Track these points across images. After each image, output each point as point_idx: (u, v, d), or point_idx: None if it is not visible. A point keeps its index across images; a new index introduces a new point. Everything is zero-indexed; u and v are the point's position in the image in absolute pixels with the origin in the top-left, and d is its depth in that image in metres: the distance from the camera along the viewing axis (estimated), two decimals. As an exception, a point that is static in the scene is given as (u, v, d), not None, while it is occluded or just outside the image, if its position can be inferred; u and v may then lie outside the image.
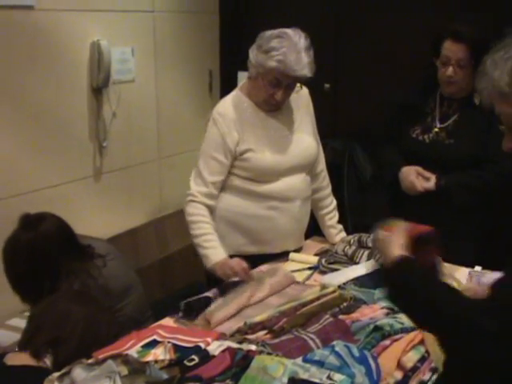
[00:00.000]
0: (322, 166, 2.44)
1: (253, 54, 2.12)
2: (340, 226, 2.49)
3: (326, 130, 2.50)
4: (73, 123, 3.11)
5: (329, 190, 2.47)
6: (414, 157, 2.54)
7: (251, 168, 2.19)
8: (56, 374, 1.40)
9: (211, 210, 2.19)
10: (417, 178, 2.46)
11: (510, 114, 1.17)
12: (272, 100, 2.16)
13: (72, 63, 3.07)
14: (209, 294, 1.97)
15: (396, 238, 1.34)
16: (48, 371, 1.54)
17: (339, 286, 1.92)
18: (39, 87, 2.91)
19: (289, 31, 2.09)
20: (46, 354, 1.59)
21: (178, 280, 3.29)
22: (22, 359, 1.60)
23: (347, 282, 1.97)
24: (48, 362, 1.60)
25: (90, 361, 1.43)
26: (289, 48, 2.04)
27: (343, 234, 2.46)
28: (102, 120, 3.23)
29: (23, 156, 2.87)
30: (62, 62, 3.01)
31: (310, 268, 2.18)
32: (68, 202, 3.05)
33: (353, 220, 3.46)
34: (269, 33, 2.11)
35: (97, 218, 3.21)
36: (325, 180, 2.46)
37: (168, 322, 1.87)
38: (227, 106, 2.22)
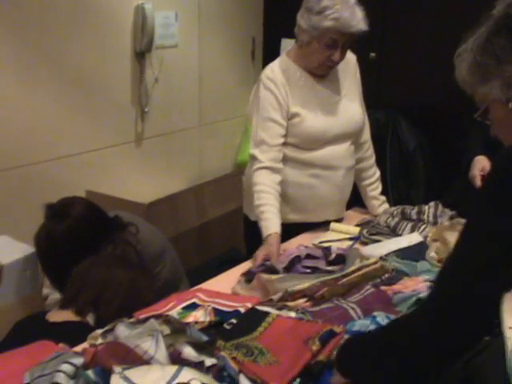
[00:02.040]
0: (366, 135, 2.39)
1: (303, 18, 2.07)
2: (383, 198, 2.45)
3: (370, 101, 2.45)
4: (115, 88, 3.12)
5: (372, 160, 2.43)
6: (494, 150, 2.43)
7: (297, 134, 2.17)
8: (100, 331, 1.42)
9: (280, 174, 2.15)
10: (480, 173, 2.36)
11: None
12: (329, 62, 2.11)
13: (116, 27, 3.07)
14: (277, 265, 1.88)
15: None
16: (90, 327, 1.57)
17: (381, 258, 1.89)
18: (83, 51, 2.92)
19: None
20: (89, 312, 1.62)
21: (216, 246, 3.30)
22: (65, 316, 1.64)
23: (389, 254, 1.93)
24: (90, 320, 1.63)
25: (131, 320, 1.44)
26: (342, 5, 2.00)
27: (386, 206, 2.42)
28: (144, 85, 3.23)
29: (65, 120, 2.90)
30: (106, 26, 3.02)
31: (350, 238, 2.15)
32: (109, 166, 3.08)
33: (395, 192, 3.41)
34: None
35: (137, 183, 3.23)
36: (369, 150, 2.42)
37: (207, 287, 1.86)
38: (276, 70, 2.18)
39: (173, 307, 1.68)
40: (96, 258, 1.84)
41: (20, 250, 2.39)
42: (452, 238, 1.90)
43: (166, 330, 1.29)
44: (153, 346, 1.25)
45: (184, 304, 1.70)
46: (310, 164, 2.20)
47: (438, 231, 2.03)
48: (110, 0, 3.02)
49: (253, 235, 2.36)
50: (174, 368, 1.19)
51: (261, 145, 2.13)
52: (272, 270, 1.82)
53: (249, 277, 1.82)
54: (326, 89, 2.21)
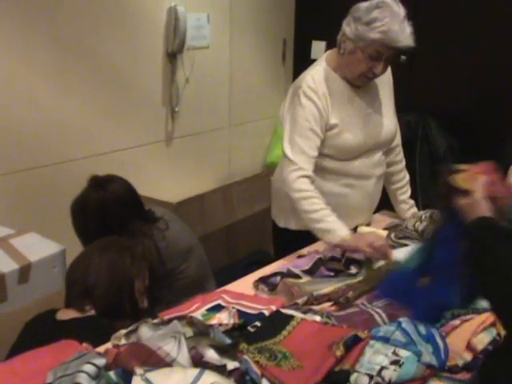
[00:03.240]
0: (397, 140, 2.36)
1: (350, 27, 2.02)
2: (412, 202, 2.42)
3: (400, 103, 2.42)
4: (147, 87, 3.14)
5: (402, 164, 2.40)
6: None
7: (334, 145, 2.13)
8: (123, 331, 1.43)
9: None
10: None
11: None
12: (370, 73, 2.06)
13: (149, 28, 3.09)
14: (294, 269, 1.87)
15: (478, 198, 1.30)
16: (94, 318, 1.62)
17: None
18: (116, 51, 2.95)
19: (387, 0, 1.99)
20: (86, 304, 1.66)
21: (244, 247, 3.30)
22: (70, 314, 1.68)
23: (416, 259, 1.91)
24: (92, 311, 1.67)
25: (155, 321, 1.45)
26: (391, 18, 1.94)
27: (414, 210, 2.39)
28: (176, 85, 3.25)
29: (97, 118, 2.93)
30: (139, 27, 3.04)
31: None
32: (139, 164, 3.11)
33: (424, 196, 3.37)
34: (365, 4, 2.01)
35: (166, 182, 3.26)
36: (399, 154, 2.39)
37: (231, 288, 1.86)
38: (317, 79, 2.11)
39: (197, 308, 1.68)
40: (83, 251, 1.85)
41: (48, 248, 2.42)
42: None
43: (189, 332, 1.29)
44: (175, 348, 1.25)
45: (209, 305, 1.69)
46: (344, 174, 2.17)
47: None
48: (144, 2, 3.04)
49: (281, 241, 2.36)
50: (196, 371, 1.19)
51: (301, 154, 2.07)
52: (292, 276, 1.80)
53: (271, 286, 1.80)
54: (363, 99, 2.17)
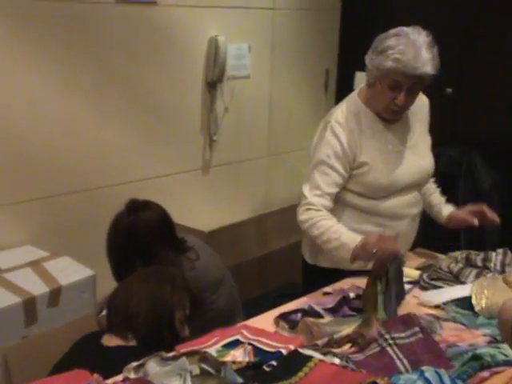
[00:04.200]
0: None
1: (368, 57, 1.98)
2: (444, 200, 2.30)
3: (444, 137, 2.34)
4: (185, 115, 3.17)
5: (432, 182, 2.31)
6: None
7: (364, 183, 2.06)
8: (134, 364, 1.40)
9: (330, 220, 2.03)
10: None
11: None
12: (393, 106, 1.98)
13: (189, 57, 3.13)
14: (316, 306, 1.80)
15: None
16: (136, 348, 1.62)
17: (438, 306, 1.79)
18: (156, 79, 2.99)
19: (406, 29, 1.92)
20: (128, 333, 1.66)
21: (276, 279, 3.26)
22: (114, 341, 1.68)
23: (448, 303, 1.83)
24: (133, 339, 1.67)
25: (169, 354, 1.42)
26: (406, 45, 1.87)
27: (450, 207, 2.27)
28: (214, 114, 3.27)
29: (135, 144, 2.97)
30: (180, 56, 3.08)
31: (409, 282, 2.05)
32: (175, 192, 3.12)
33: (467, 235, 3.25)
34: (385, 33, 1.97)
35: (201, 210, 3.26)
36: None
37: (255, 322, 1.82)
38: (346, 114, 2.05)
39: (215, 343, 1.64)
40: (126, 280, 1.85)
41: (80, 272, 2.45)
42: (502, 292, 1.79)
43: (196, 369, 1.26)
44: (181, 385, 1.22)
45: (227, 340, 1.66)
46: (374, 213, 2.08)
47: (479, 286, 1.89)
48: (186, 31, 3.09)
49: (309, 277, 2.31)
50: (200, 411, 1.16)
51: (315, 189, 2.02)
52: (313, 314, 1.75)
53: (291, 324, 1.75)
54: (396, 135, 2.09)
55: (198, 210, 3.25)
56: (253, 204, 3.59)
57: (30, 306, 2.25)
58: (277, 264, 3.32)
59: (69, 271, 2.44)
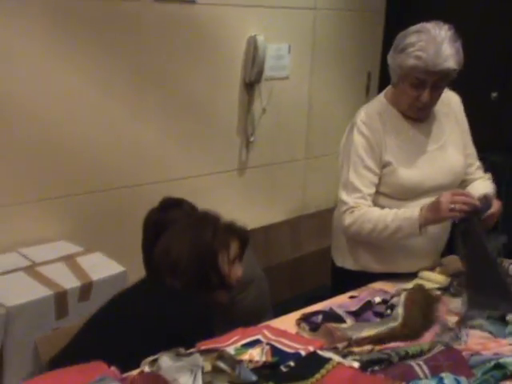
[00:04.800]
0: (473, 168, 2.20)
1: (390, 57, 1.97)
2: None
3: (487, 142, 2.25)
4: (222, 116, 3.18)
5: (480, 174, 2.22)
6: None
7: (390, 184, 2.03)
8: (149, 359, 1.41)
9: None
10: None
11: None
12: (418, 103, 1.95)
13: (227, 57, 3.14)
14: (338, 309, 1.79)
15: None
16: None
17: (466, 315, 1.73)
18: (194, 78, 3.01)
19: (427, 25, 1.90)
20: (173, 280, 1.72)
21: (308, 282, 3.22)
22: None
23: (477, 310, 1.77)
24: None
25: (179, 351, 1.41)
26: (427, 41, 1.85)
27: (490, 184, 2.19)
28: (252, 115, 3.26)
29: (172, 144, 2.99)
30: (218, 56, 3.09)
31: (439, 289, 2.00)
32: (209, 192, 3.13)
33: (509, 246, 3.15)
34: (405, 31, 1.94)
35: (235, 211, 3.21)
36: (476, 172, 2.21)
37: (277, 323, 1.81)
38: (371, 113, 2.04)
39: (235, 341, 1.64)
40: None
41: (111, 268, 2.48)
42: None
43: (208, 366, 1.26)
44: (190, 381, 1.22)
45: (248, 340, 1.65)
46: None
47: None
48: (225, 30, 3.09)
49: (337, 280, 2.28)
50: (207, 407, 1.15)
51: (355, 192, 2.00)
52: (334, 316, 1.72)
53: (312, 325, 1.73)
54: (424, 134, 2.06)
55: (233, 210, 3.20)
56: (288, 206, 3.56)
57: (61, 299, 2.29)
58: (309, 267, 3.29)
59: (100, 267, 2.47)
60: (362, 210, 1.98)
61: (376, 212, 1.97)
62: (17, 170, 2.55)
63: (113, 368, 1.42)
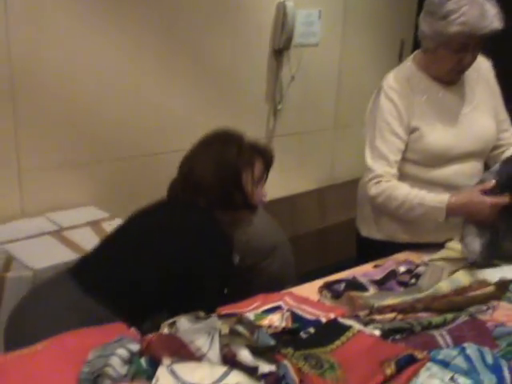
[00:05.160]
0: (508, 133, 2.13)
1: (426, 23, 1.90)
2: None
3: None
4: (250, 83, 3.14)
5: None
6: None
7: (418, 150, 1.99)
8: (169, 321, 1.41)
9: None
10: None
11: None
12: (459, 67, 1.92)
13: (256, 24, 3.09)
14: (362, 278, 1.78)
15: None
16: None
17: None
18: (222, 45, 2.97)
19: None
20: (198, 198, 1.73)
21: (334, 253, 3.19)
22: None
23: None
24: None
25: (197, 314, 1.41)
26: (469, 5, 1.79)
27: None
28: (280, 83, 3.22)
29: (199, 112, 2.97)
30: (247, 22, 3.04)
31: (466, 259, 1.95)
32: (236, 160, 3.11)
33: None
34: None
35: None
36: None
37: (299, 290, 1.79)
38: (399, 78, 2.01)
39: (256, 307, 1.63)
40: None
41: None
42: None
43: (226, 329, 1.25)
44: (207, 343, 1.21)
45: (269, 306, 1.64)
46: (431, 183, 2.00)
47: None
48: (253, -3, 3.04)
49: (363, 250, 2.26)
50: (223, 369, 1.15)
51: (381, 159, 1.96)
52: (357, 285, 1.70)
53: (334, 293, 1.71)
54: (454, 99, 2.01)
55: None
56: (316, 176, 3.53)
57: (86, 263, 2.31)
58: (336, 238, 3.26)
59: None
60: (388, 182, 1.94)
61: (403, 190, 1.93)
62: (45, 134, 2.56)
63: (132, 329, 1.43)
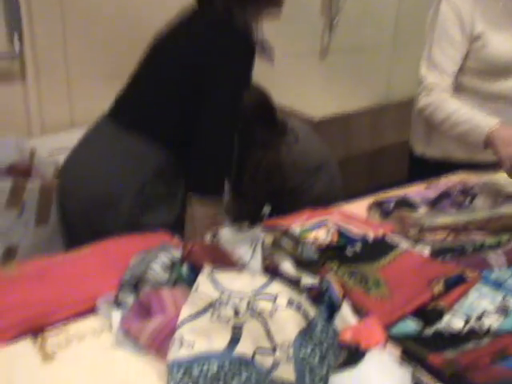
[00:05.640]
0: None
1: None
2: None
3: None
4: (305, -5, 3.00)
5: None
6: None
7: (480, 59, 1.87)
8: (211, 233, 1.39)
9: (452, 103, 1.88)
10: None
11: None
12: None
13: None
14: (414, 197, 1.73)
15: None
16: None
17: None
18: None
19: None
20: None
21: (386, 175, 3.11)
22: None
23: None
24: None
25: (244, 225, 1.39)
26: None
27: None
28: (336, -5, 3.06)
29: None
30: None
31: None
32: (288, 74, 3.01)
33: None
34: None
35: (314, 96, 3.13)
36: None
37: (347, 207, 1.74)
38: None
39: (302, 222, 1.60)
40: None
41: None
42: None
43: (269, 240, 1.22)
44: (249, 253, 1.19)
45: (315, 221, 1.61)
46: (494, 97, 1.90)
47: None
48: None
49: (415, 170, 2.19)
50: (265, 279, 1.12)
51: (435, 69, 1.87)
52: (408, 204, 1.63)
53: (384, 212, 1.65)
54: None
55: (311, 95, 3.12)
56: (371, 94, 3.39)
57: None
58: (389, 160, 3.16)
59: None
60: (440, 95, 1.85)
61: (453, 104, 1.83)
62: (94, 44, 2.52)
63: (176, 238, 1.42)
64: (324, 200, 2.18)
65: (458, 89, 1.90)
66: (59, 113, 2.55)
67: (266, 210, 2.31)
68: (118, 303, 1.13)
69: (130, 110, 1.72)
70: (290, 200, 2.17)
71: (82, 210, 1.68)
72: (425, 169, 2.08)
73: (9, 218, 1.91)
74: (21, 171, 2.21)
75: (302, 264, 1.23)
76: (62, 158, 2.26)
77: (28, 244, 1.97)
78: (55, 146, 2.34)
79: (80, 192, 1.68)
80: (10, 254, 1.93)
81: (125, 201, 1.63)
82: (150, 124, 1.66)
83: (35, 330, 1.06)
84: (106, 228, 1.58)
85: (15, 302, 1.12)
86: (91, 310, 1.12)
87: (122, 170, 1.64)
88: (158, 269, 1.18)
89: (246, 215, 1.78)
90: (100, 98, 2.58)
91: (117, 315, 1.08)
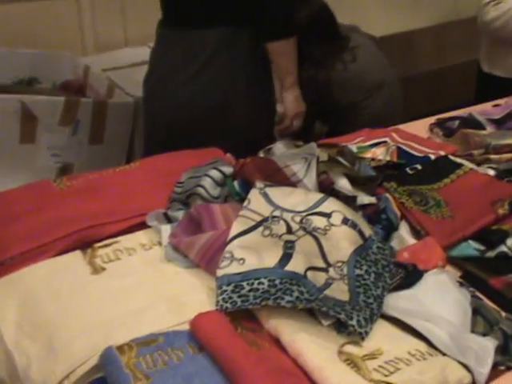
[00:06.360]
0: None
1: None
2: None
3: None
4: None
5: None
6: None
7: None
8: (265, 148, 1.35)
9: None
10: None
11: None
12: None
13: None
14: (479, 116, 1.60)
15: None
16: None
17: None
18: None
19: None
20: None
21: (449, 97, 2.95)
22: None
23: None
24: None
25: (298, 143, 1.33)
26: None
27: None
28: None
29: None
30: None
31: None
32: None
33: None
34: None
35: (376, 13, 2.96)
36: None
37: (408, 126, 1.66)
38: None
39: (360, 141, 1.53)
40: None
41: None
42: None
43: (324, 156, 1.16)
44: (303, 169, 1.14)
45: (373, 141, 1.53)
46: None
47: None
48: None
49: (483, 87, 2.07)
50: (319, 196, 1.07)
51: None
52: (473, 123, 1.53)
53: (447, 131, 1.55)
54: None
55: (373, 12, 2.95)
56: (436, 10, 3.17)
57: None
58: (454, 80, 2.97)
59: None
60: (509, 3, 1.69)
61: None
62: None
63: (228, 155, 1.38)
64: (383, 120, 2.09)
65: None
66: (113, 31, 2.50)
67: (323, 129, 2.24)
68: (167, 218, 1.11)
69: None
70: (347, 118, 2.10)
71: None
72: (493, 87, 1.97)
73: (63, 136, 1.91)
74: (74, 89, 2.20)
75: (358, 183, 1.17)
76: (115, 76, 2.23)
77: (83, 162, 1.98)
78: (109, 65, 2.31)
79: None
80: (66, 172, 1.94)
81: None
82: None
83: (85, 243, 1.06)
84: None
85: (66, 215, 1.12)
86: (141, 225, 1.11)
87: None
88: (209, 184, 1.15)
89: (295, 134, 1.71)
90: (153, 18, 2.52)
91: (166, 230, 1.06)
